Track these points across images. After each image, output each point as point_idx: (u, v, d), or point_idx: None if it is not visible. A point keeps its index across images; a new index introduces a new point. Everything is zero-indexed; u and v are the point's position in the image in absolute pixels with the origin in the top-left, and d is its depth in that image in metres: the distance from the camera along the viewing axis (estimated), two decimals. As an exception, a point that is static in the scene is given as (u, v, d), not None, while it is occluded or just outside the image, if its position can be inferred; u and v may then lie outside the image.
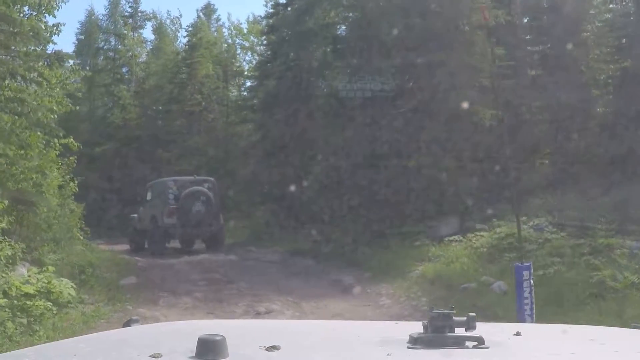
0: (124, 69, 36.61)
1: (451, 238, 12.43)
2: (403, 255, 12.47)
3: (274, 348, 1.45)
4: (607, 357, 1.52)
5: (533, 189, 13.48)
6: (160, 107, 31.44)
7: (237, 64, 33.85)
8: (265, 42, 25.61)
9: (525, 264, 6.42)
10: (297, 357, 1.46)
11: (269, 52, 24.49)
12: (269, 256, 15.87)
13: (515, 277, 6.23)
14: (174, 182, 17.29)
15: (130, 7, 35.16)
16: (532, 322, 5.78)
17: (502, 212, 12.11)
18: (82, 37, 35.77)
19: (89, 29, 36.65)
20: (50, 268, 9.37)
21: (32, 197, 10.31)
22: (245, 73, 31.61)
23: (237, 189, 24.02)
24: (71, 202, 14.21)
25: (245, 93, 30.80)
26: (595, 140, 14.33)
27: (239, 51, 35.17)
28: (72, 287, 8.47)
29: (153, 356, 1.37)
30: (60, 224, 12.63)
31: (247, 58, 35.04)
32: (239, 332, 1.70)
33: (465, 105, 13.46)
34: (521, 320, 5.83)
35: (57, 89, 12.01)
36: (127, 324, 1.87)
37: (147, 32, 40.73)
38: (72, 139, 12.34)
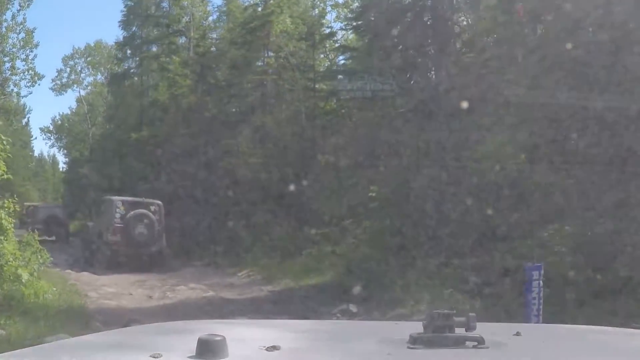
0: (181, 40, 31.28)
1: None
2: None
3: (274, 348, 1.53)
4: (607, 357, 1.60)
5: None
6: (222, 79, 20.91)
7: (328, 26, 27.60)
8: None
9: (536, 265, 6.52)
10: (297, 357, 1.55)
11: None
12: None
13: (525, 276, 6.41)
14: (122, 202, 19.79)
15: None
16: (538, 322, 5.82)
17: None
18: (131, 2, 26.63)
19: (139, -8, 27.40)
20: None
21: None
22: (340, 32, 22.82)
23: (324, 194, 20.08)
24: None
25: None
26: None
27: (329, 10, 29.56)
28: None
29: (153, 356, 1.43)
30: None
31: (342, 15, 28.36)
32: (239, 332, 1.81)
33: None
34: (527, 320, 5.95)
35: None
36: (127, 324, 2.20)
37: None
38: None
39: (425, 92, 15.75)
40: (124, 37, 33.69)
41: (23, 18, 30.49)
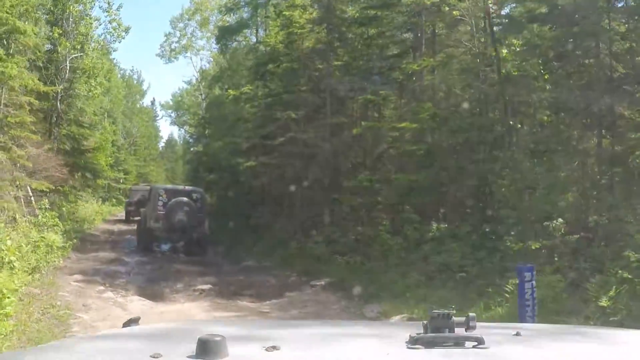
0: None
1: None
2: None
3: (274, 348, 1.56)
4: (607, 357, 1.61)
5: None
6: (356, 13, 12.57)
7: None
8: None
9: (527, 266, 6.23)
10: (297, 357, 1.58)
11: None
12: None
13: (517, 277, 6.41)
14: (165, 190, 21.71)
15: None
16: (533, 322, 5.67)
17: None
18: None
19: None
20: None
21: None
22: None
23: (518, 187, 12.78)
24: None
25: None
26: None
27: None
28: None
29: (153, 356, 1.47)
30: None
31: None
32: (239, 332, 1.88)
33: None
34: (522, 321, 5.70)
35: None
36: (127, 324, 1.98)
37: None
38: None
39: None
40: (235, -18, 28.86)
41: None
